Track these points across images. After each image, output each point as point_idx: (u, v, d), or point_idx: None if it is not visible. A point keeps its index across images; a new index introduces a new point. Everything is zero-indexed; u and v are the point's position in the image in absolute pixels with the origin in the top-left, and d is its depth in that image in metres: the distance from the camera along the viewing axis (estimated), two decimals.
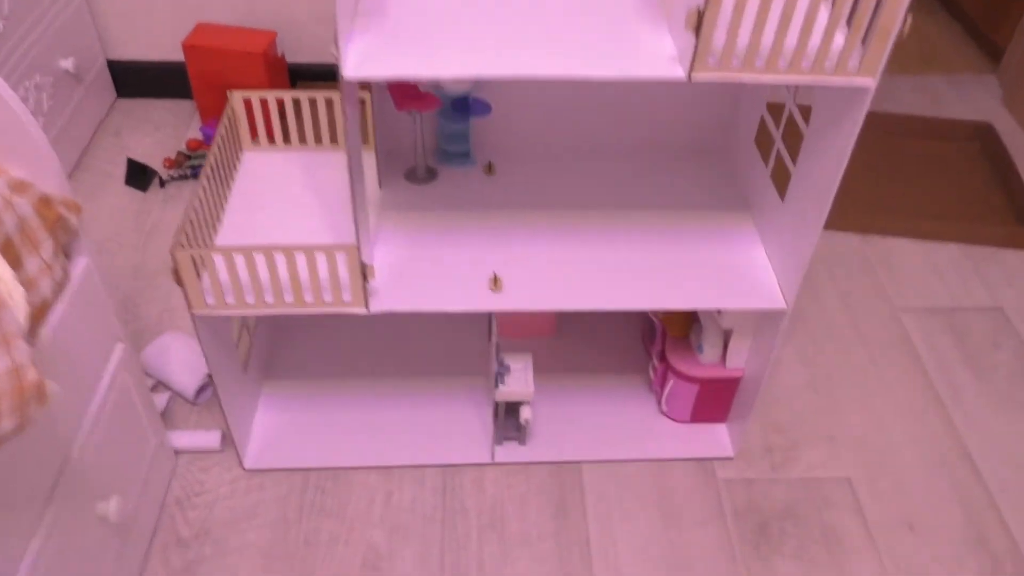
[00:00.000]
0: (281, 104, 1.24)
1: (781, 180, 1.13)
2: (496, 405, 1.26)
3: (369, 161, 1.27)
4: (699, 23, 0.80)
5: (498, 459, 1.33)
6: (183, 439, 1.32)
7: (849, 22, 0.83)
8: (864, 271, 1.71)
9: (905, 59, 2.40)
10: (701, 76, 0.84)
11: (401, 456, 1.32)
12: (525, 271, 1.14)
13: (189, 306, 1.05)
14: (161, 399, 1.37)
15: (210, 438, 1.32)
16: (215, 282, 1.03)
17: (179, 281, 1.01)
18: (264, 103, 1.23)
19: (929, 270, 1.71)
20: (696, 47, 0.82)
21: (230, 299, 1.06)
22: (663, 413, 1.40)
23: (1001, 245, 1.76)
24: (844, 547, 1.24)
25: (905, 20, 0.81)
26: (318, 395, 1.40)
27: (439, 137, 1.30)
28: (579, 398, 1.41)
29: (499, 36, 0.90)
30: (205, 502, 1.26)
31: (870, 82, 0.87)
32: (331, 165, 1.27)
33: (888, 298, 1.65)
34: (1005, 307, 1.64)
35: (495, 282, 1.11)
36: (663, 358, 1.35)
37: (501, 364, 1.26)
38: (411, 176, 1.28)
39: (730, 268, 1.16)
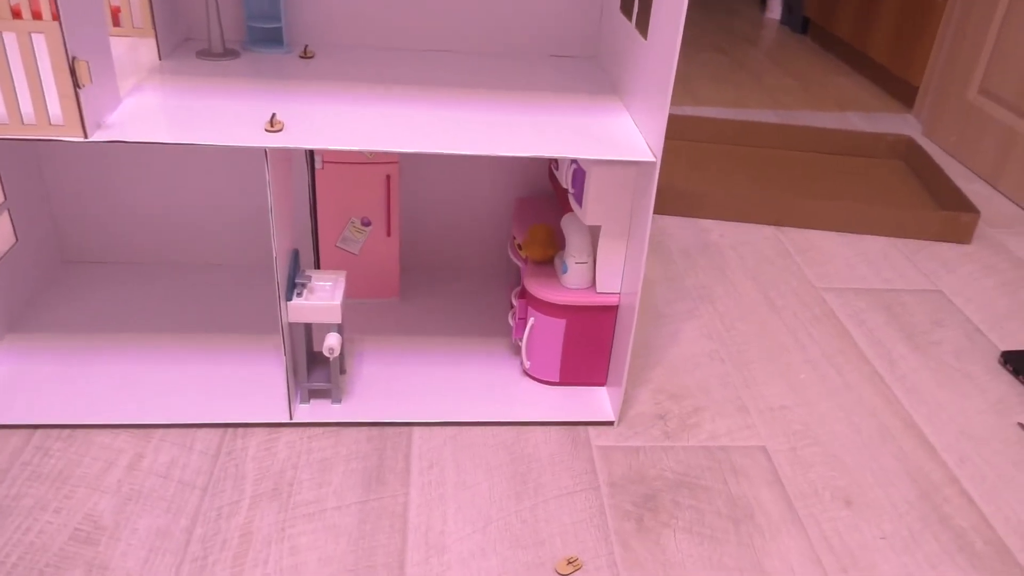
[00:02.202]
0: None
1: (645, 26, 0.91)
2: (287, 333, 0.95)
3: (151, 43, 1.03)
4: None
5: (300, 418, 0.99)
6: None
7: None
8: (780, 256, 1.46)
9: (820, 103, 2.30)
10: None
11: (166, 413, 0.98)
12: (322, 120, 0.87)
13: None
14: None
15: None
16: None
17: None
18: None
19: (854, 258, 1.47)
20: None
21: None
22: (527, 374, 1.08)
23: (934, 238, 1.55)
24: (757, 522, 0.91)
25: None
26: (74, 348, 1.06)
27: (245, 15, 1.07)
28: (422, 360, 1.10)
29: None
30: None
31: None
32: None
33: (808, 280, 1.39)
34: (945, 290, 1.39)
35: (272, 122, 0.84)
36: (523, 294, 1.06)
37: (300, 275, 0.96)
38: (204, 54, 1.04)
39: (592, 130, 0.91)
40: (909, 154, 1.86)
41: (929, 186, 1.74)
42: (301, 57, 1.06)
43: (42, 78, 0.77)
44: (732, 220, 1.56)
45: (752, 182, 1.71)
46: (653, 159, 0.85)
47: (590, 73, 1.09)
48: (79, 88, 0.76)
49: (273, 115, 0.84)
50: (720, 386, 1.12)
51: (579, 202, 0.96)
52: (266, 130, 0.84)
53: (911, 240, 1.55)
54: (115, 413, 0.97)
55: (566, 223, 1.00)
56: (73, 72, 0.75)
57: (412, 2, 1.09)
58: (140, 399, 0.99)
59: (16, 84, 0.80)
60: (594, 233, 0.99)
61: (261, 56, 1.05)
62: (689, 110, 2.15)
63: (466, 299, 1.23)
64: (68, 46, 0.74)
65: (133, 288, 1.19)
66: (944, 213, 1.53)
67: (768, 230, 1.55)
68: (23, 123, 0.78)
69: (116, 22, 1.06)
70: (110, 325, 1.11)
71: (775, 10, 3.20)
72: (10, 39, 0.83)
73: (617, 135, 0.90)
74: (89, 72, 0.76)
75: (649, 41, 0.88)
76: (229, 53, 1.04)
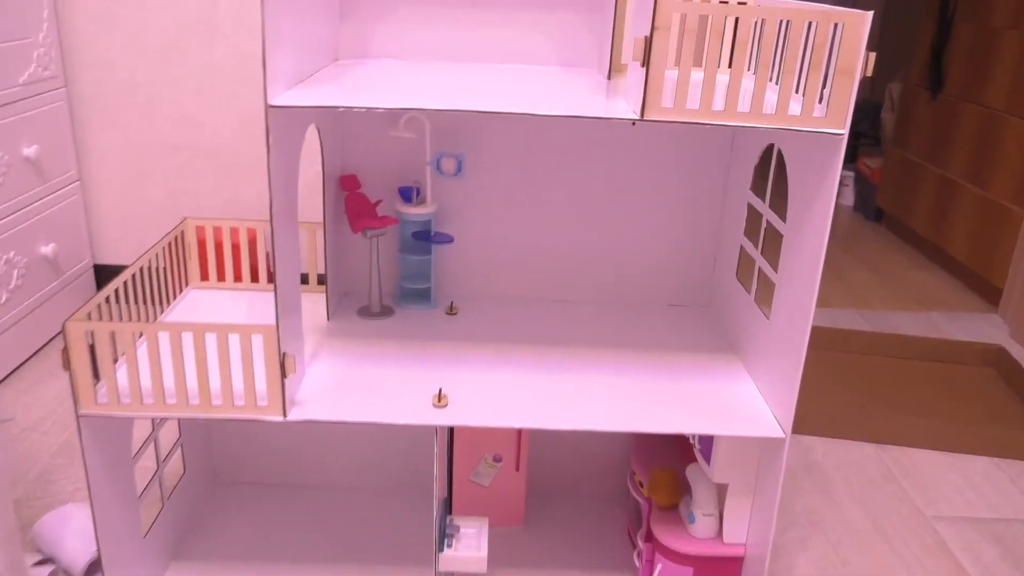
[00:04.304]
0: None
1: (766, 302, 1.02)
2: None
3: (318, 299, 1.18)
4: (647, 53, 0.76)
5: None
6: None
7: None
8: (885, 480, 1.49)
9: (902, 301, 2.37)
10: (654, 116, 0.78)
11: None
12: (477, 392, 0.98)
13: (76, 402, 0.89)
14: (40, 572, 1.13)
15: None
16: (106, 366, 0.88)
17: (66, 363, 0.87)
18: (217, 232, 1.18)
19: (959, 480, 1.50)
20: (647, 82, 0.77)
21: (125, 399, 0.90)
22: None
23: None
24: None
25: (867, 59, 0.76)
26: None
27: (400, 275, 1.21)
28: None
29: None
30: None
31: (839, 129, 0.80)
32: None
33: (916, 507, 1.42)
34: None
35: (439, 397, 0.95)
36: (649, 537, 1.12)
37: (449, 524, 1.05)
38: (364, 312, 1.18)
39: (718, 399, 1.00)
40: (1000, 362, 1.90)
41: None
42: (447, 313, 1.19)
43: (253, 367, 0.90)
44: (833, 437, 1.61)
45: (847, 392, 1.76)
46: (783, 435, 0.93)
47: (706, 325, 1.20)
48: (285, 378, 0.89)
49: (440, 390, 0.95)
50: None
51: (706, 460, 1.04)
52: (433, 405, 0.95)
53: (1013, 460, 1.57)
54: None
55: (692, 474, 1.08)
56: (282, 365, 0.88)
57: (539, 261, 1.23)
58: None
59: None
60: (720, 485, 1.06)
61: (413, 313, 1.19)
62: None
63: (587, 528, 1.29)
64: (281, 345, 0.88)
65: (278, 510, 1.29)
66: None
67: (869, 448, 1.59)
68: (234, 405, 0.91)
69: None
70: (261, 551, 1.20)
71: (848, 197, 3.34)
72: (233, 339, 0.97)
73: (743, 406, 0.99)
74: (295, 363, 0.89)
75: (772, 321, 0.98)
76: (385, 311, 1.18)
